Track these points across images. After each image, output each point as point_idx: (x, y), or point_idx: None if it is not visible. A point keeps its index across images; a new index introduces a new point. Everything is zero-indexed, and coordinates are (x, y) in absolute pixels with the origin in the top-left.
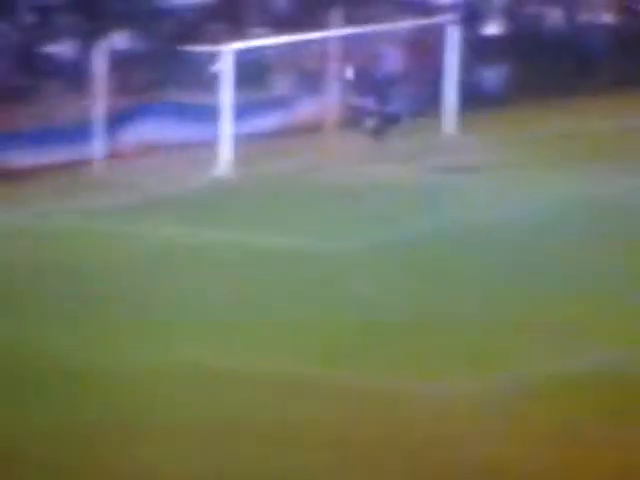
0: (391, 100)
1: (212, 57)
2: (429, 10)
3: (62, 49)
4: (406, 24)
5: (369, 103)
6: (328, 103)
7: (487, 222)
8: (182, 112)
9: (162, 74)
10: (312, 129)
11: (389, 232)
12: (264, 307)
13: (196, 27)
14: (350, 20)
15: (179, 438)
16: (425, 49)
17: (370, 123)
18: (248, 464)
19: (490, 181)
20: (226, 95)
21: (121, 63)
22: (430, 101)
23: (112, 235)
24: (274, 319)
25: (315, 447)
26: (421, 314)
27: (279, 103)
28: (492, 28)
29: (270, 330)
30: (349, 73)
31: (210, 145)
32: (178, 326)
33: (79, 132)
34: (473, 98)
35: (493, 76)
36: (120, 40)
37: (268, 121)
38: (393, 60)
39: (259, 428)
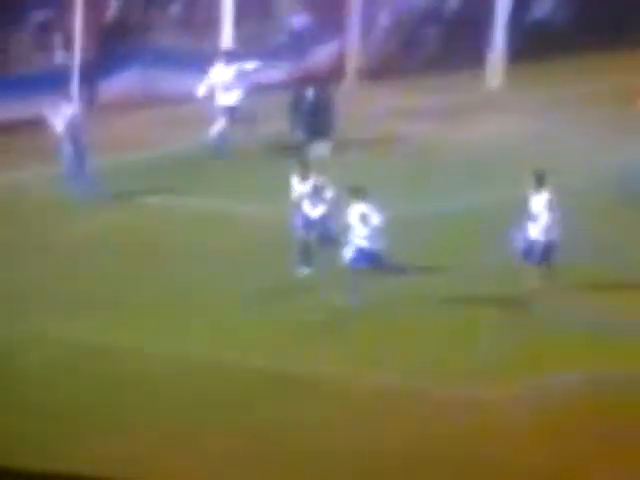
0: None
1: None
2: None
3: None
4: None
5: None
6: (348, 49)
7: None
8: (172, 59)
9: (149, 14)
10: (328, 79)
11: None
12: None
13: None
14: None
15: None
16: None
17: None
18: None
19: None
20: (226, 37)
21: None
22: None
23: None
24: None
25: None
26: None
27: (290, 49)
28: None
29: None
30: None
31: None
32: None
33: (52, 81)
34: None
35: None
36: None
37: (276, 71)
38: None
39: None
